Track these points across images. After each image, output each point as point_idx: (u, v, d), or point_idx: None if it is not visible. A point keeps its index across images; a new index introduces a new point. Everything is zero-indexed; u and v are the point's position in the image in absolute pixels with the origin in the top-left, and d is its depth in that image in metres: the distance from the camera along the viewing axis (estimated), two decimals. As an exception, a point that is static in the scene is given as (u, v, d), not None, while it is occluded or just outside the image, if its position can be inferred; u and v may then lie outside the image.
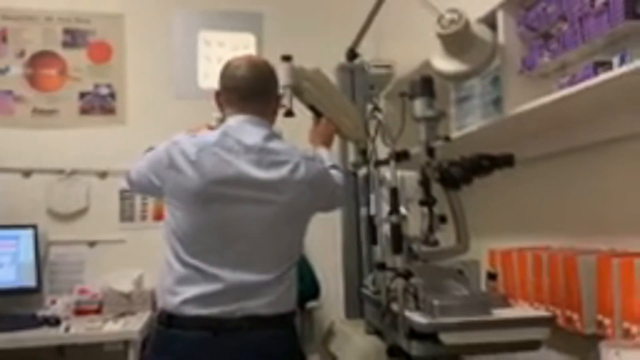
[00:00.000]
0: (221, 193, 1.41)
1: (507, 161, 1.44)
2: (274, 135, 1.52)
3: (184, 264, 1.41)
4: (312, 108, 1.82)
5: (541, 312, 1.44)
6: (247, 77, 1.51)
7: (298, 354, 1.49)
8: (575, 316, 1.43)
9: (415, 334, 1.32)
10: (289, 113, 1.71)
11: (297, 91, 1.77)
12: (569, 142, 1.60)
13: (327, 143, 1.76)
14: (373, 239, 1.69)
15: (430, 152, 1.49)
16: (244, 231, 1.42)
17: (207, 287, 1.38)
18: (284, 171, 1.44)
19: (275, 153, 1.46)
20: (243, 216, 1.42)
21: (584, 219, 1.61)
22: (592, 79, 1.22)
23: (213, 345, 1.36)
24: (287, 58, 1.77)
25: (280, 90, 1.65)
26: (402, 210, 1.41)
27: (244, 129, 1.47)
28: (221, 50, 2.86)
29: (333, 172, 1.62)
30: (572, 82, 1.33)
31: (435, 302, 1.29)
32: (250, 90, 1.51)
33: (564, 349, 1.52)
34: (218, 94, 1.57)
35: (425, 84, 1.50)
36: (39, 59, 2.69)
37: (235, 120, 1.50)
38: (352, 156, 2.14)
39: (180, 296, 1.39)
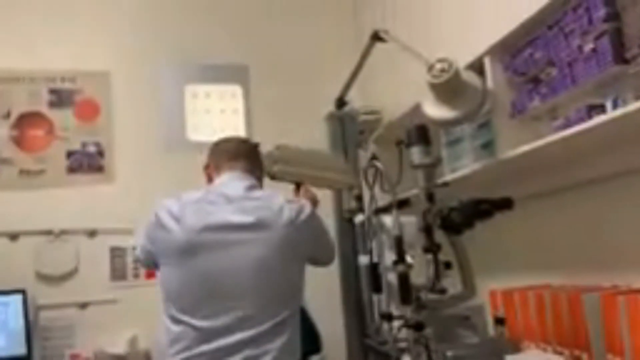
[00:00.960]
0: (204, 241, 1.42)
1: (505, 204, 1.45)
2: (257, 186, 1.58)
3: (176, 321, 1.41)
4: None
5: (553, 357, 1.42)
6: (236, 143, 1.69)
7: None
8: (584, 356, 1.42)
9: (429, 386, 1.30)
10: None
11: (270, 176, 1.88)
12: (563, 180, 1.63)
13: None
14: (376, 288, 1.67)
15: (430, 198, 1.50)
16: (232, 280, 1.40)
17: (201, 344, 1.37)
18: (267, 213, 1.46)
19: (257, 199, 1.50)
20: (229, 262, 1.41)
21: (582, 255, 1.63)
22: (587, 123, 1.25)
23: None
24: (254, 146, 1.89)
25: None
26: (408, 259, 1.40)
27: (228, 184, 1.55)
28: (208, 101, 2.87)
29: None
30: (566, 125, 1.36)
31: (449, 354, 1.28)
32: (240, 151, 1.64)
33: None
34: (207, 166, 1.67)
35: (421, 132, 1.52)
36: (25, 120, 2.66)
37: (222, 178, 1.58)
38: (347, 202, 2.15)
39: (176, 356, 1.38)
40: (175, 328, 1.40)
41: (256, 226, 1.44)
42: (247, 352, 1.36)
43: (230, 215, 1.45)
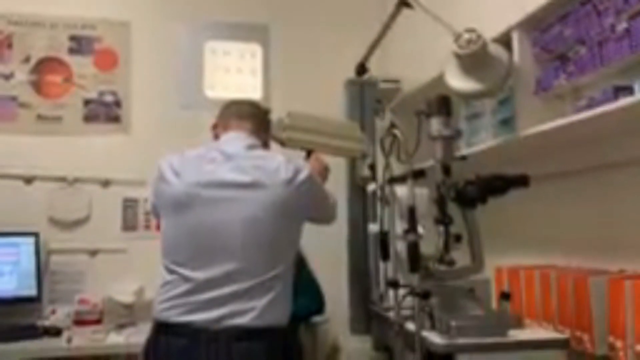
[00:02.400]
0: (200, 195, 1.45)
1: (522, 181, 1.45)
2: (258, 146, 1.59)
3: (169, 271, 1.45)
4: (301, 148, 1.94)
5: (557, 335, 1.44)
6: (243, 104, 1.71)
7: None
8: (585, 337, 1.44)
9: (431, 354, 1.31)
10: None
11: (280, 143, 1.91)
12: (579, 162, 1.61)
13: (321, 177, 1.84)
14: (384, 256, 1.68)
15: (446, 170, 1.49)
16: (223, 235, 1.42)
17: (189, 294, 1.40)
18: (265, 172, 1.47)
19: (256, 158, 1.52)
20: (222, 218, 1.43)
21: (591, 238, 1.62)
22: (613, 103, 1.23)
23: (191, 354, 1.36)
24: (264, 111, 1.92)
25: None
26: (420, 229, 1.40)
27: (229, 142, 1.57)
28: (227, 59, 2.85)
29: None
30: (590, 106, 1.34)
31: (452, 323, 1.29)
32: (244, 112, 1.66)
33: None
34: (215, 126, 1.69)
35: (442, 103, 1.51)
36: (44, 65, 2.66)
37: (225, 137, 1.60)
38: (360, 170, 2.15)
39: (164, 303, 1.43)
40: (168, 277, 1.45)
41: (251, 185, 1.45)
42: (233, 307, 1.39)
43: (227, 173, 1.47)
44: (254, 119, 1.66)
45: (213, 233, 1.43)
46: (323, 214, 1.69)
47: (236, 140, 1.57)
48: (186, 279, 1.41)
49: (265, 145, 1.70)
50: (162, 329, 1.42)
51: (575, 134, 1.47)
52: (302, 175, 1.51)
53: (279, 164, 1.49)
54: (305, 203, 1.54)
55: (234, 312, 1.38)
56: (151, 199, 1.60)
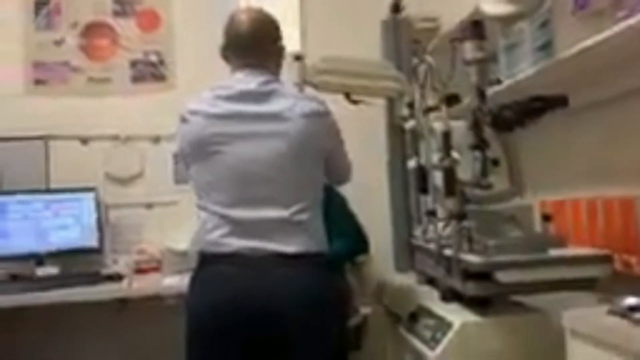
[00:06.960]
0: (223, 132, 1.47)
1: (560, 102, 1.42)
2: (272, 80, 1.55)
3: (205, 209, 1.49)
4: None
5: (598, 251, 1.42)
6: (244, 33, 1.59)
7: (322, 291, 1.46)
8: (633, 259, 1.41)
9: (470, 274, 1.33)
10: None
11: (314, 88, 1.89)
12: (624, 85, 1.54)
13: None
14: (423, 189, 1.70)
15: (482, 95, 1.48)
16: (253, 169, 1.45)
17: (226, 228, 1.44)
18: (282, 105, 1.48)
19: (272, 93, 1.51)
20: (249, 153, 1.46)
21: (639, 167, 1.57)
22: (652, 9, 1.18)
23: (236, 279, 1.41)
24: (298, 57, 1.92)
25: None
26: (454, 154, 1.40)
27: (242, 80, 1.54)
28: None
29: None
30: (629, 15, 1.28)
31: (490, 242, 1.30)
32: (248, 45, 1.58)
33: (623, 292, 1.50)
34: (224, 48, 1.64)
35: (476, 27, 1.48)
36: (91, 30, 2.77)
37: (235, 75, 1.58)
38: (398, 110, 2.14)
39: (207, 236, 1.47)
40: (205, 215, 1.49)
41: (272, 115, 1.47)
42: (263, 241, 1.43)
43: (247, 106, 1.48)
44: (262, 48, 1.59)
45: (241, 168, 1.45)
46: (340, 162, 1.67)
47: (248, 77, 1.55)
48: (219, 215, 1.46)
49: (276, 69, 1.64)
50: (205, 259, 1.49)
51: (617, 52, 1.41)
52: (318, 112, 1.52)
53: (294, 99, 1.51)
54: (320, 135, 1.53)
55: (269, 242, 1.43)
56: (178, 148, 1.60)
